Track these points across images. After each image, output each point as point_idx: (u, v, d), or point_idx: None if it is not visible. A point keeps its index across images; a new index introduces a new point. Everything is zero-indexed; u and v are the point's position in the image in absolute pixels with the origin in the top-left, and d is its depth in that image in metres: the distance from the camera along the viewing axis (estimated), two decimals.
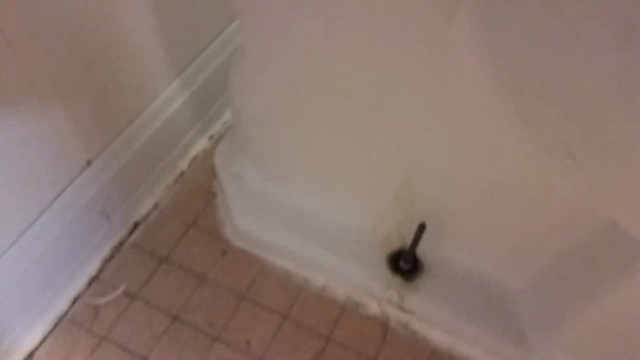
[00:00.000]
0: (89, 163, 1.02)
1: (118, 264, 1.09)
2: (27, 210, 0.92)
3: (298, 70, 0.88)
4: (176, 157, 1.22)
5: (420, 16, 0.70)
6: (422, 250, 1.01)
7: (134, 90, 1.06)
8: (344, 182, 1.02)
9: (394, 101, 0.84)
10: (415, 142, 0.88)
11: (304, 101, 0.92)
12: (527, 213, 0.86)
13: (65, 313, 1.03)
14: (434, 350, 0.99)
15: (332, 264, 1.04)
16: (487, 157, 0.83)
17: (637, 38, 0.52)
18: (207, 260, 1.09)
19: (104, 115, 1.02)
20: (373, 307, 1.03)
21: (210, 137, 1.29)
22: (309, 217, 1.09)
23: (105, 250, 1.11)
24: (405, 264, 1.01)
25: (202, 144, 1.28)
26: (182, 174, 1.22)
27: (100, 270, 1.08)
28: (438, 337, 1.00)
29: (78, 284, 1.06)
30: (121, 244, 1.12)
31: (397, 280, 1.01)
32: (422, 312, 1.00)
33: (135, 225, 1.14)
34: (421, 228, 0.92)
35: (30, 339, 0.98)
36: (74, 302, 1.04)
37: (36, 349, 0.98)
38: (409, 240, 0.98)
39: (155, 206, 1.17)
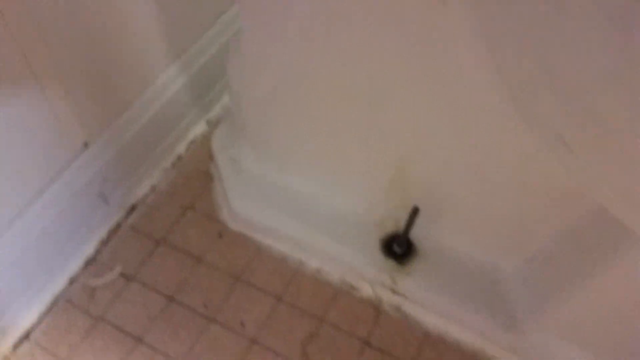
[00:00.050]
0: (86, 145, 1.02)
1: (115, 246, 1.10)
2: (25, 191, 0.93)
3: (296, 55, 0.88)
4: (174, 140, 1.22)
5: None
6: (416, 234, 1.02)
7: (132, 73, 1.07)
8: (340, 166, 1.02)
9: (391, 87, 0.84)
10: (411, 127, 0.88)
11: (302, 86, 0.92)
12: (519, 198, 0.87)
13: (62, 293, 1.04)
14: (425, 333, 1.00)
15: (327, 247, 1.05)
16: (482, 142, 0.83)
17: (631, 26, 0.52)
18: (204, 242, 1.10)
19: (102, 97, 1.02)
20: (366, 290, 1.04)
21: (209, 121, 1.29)
22: (304, 201, 1.09)
23: (103, 232, 1.12)
24: (399, 247, 1.01)
25: (200, 128, 1.28)
26: (179, 157, 1.23)
27: (98, 251, 1.09)
28: (430, 320, 1.01)
29: (75, 265, 1.07)
30: (118, 226, 1.13)
31: (390, 263, 1.01)
32: (415, 295, 1.00)
33: (133, 208, 1.15)
34: (414, 212, 0.93)
35: (27, 319, 1.00)
36: (71, 282, 1.05)
37: (33, 328, 0.99)
38: (403, 225, 0.98)
39: (153, 189, 1.17)
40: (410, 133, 0.89)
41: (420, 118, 0.86)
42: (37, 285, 1.01)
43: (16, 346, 0.97)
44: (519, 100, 0.70)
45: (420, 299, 1.00)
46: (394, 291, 1.02)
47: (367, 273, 1.03)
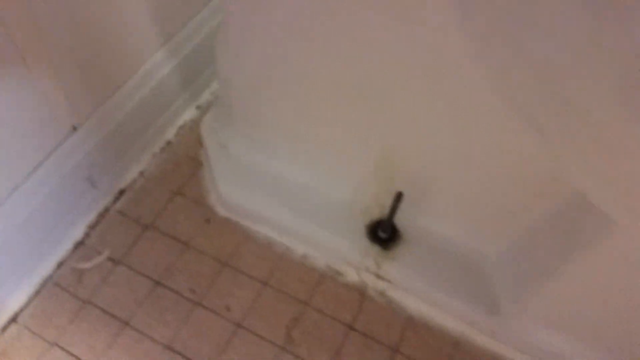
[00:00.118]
0: (74, 129, 1.03)
1: (103, 230, 1.11)
2: (13, 174, 0.94)
3: (282, 41, 0.88)
4: (163, 125, 1.23)
5: None
6: (401, 220, 1.02)
7: (120, 57, 1.07)
8: (327, 152, 1.03)
9: (377, 74, 0.84)
10: (396, 115, 0.89)
11: (288, 73, 0.93)
12: (502, 185, 0.87)
13: (50, 277, 1.05)
14: (409, 317, 1.01)
15: (313, 233, 1.06)
16: (465, 129, 0.84)
17: (601, 11, 0.52)
18: (191, 227, 1.11)
19: (90, 81, 1.02)
20: (351, 275, 1.05)
21: (198, 107, 1.30)
22: (292, 187, 1.10)
23: (91, 216, 1.12)
24: (384, 233, 1.02)
25: (189, 113, 1.28)
26: (168, 142, 1.23)
27: (86, 235, 1.10)
28: (414, 304, 1.02)
29: (63, 248, 1.08)
30: (107, 210, 1.13)
31: (375, 249, 1.02)
32: (399, 280, 1.01)
33: (121, 192, 1.16)
34: (398, 197, 0.93)
35: (15, 302, 1.01)
36: (59, 266, 1.06)
37: (21, 311, 1.00)
38: (388, 210, 0.99)
39: (141, 174, 1.18)
40: (395, 120, 0.90)
41: (406, 105, 0.86)
42: (25, 268, 1.02)
43: (4, 329, 0.98)
44: (498, 87, 0.70)
45: (404, 284, 1.01)
46: (378, 276, 1.03)
47: (352, 258, 1.04)
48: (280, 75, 0.94)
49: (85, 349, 0.97)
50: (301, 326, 1.00)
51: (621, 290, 0.78)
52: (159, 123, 1.21)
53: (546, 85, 0.59)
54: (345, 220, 1.06)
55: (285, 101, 0.98)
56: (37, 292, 1.03)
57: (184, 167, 1.19)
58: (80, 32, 0.95)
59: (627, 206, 0.63)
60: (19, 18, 0.82)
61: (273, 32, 0.88)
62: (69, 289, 1.03)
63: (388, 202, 0.99)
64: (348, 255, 1.04)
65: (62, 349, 0.96)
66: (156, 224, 1.11)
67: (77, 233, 1.10)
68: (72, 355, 0.96)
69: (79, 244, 1.09)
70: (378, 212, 1.05)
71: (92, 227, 1.11)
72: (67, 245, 1.09)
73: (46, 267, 1.05)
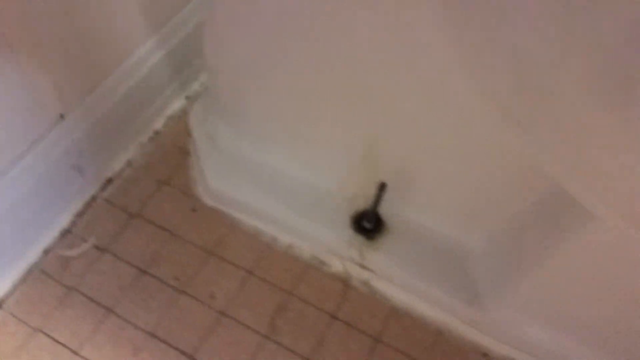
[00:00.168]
0: (62, 117, 1.03)
1: (90, 218, 1.11)
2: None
3: (269, 31, 0.88)
4: (151, 115, 1.23)
5: None
6: (386, 211, 1.03)
7: (108, 45, 1.07)
8: (312, 143, 1.04)
9: (362, 66, 0.85)
10: (381, 105, 0.89)
11: (274, 63, 0.93)
12: (483, 176, 0.88)
13: (37, 264, 1.05)
14: (392, 307, 1.02)
15: (299, 223, 1.07)
16: (446, 120, 0.84)
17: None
18: (178, 217, 1.11)
19: (78, 69, 1.03)
20: (336, 266, 1.06)
21: (188, 97, 1.30)
22: (279, 178, 1.11)
23: (78, 204, 1.13)
24: (368, 223, 1.03)
25: (178, 104, 1.29)
26: (157, 132, 1.24)
27: (73, 223, 1.11)
28: (397, 295, 1.02)
29: (50, 236, 1.09)
30: (94, 198, 1.14)
31: (359, 239, 1.03)
32: (383, 270, 1.02)
33: (109, 181, 1.16)
34: (382, 187, 0.94)
35: (1, 288, 1.01)
36: (45, 253, 1.07)
37: (6, 298, 1.01)
38: (372, 201, 1.00)
39: (129, 163, 1.18)
40: (379, 111, 0.90)
41: (389, 96, 0.87)
42: (11, 255, 1.03)
43: None
44: (476, 77, 0.70)
45: (388, 274, 1.02)
46: (362, 266, 1.04)
47: (337, 249, 1.05)
48: (266, 66, 0.94)
49: (70, 336, 0.97)
50: (285, 315, 1.01)
51: (599, 281, 0.79)
52: (147, 113, 1.21)
53: (518, 73, 0.59)
54: (331, 210, 1.07)
55: (271, 92, 0.99)
56: (23, 279, 1.03)
57: (172, 157, 1.20)
58: (68, 20, 0.95)
59: (601, 197, 0.64)
60: (5, 5, 0.82)
61: (260, 23, 0.88)
62: (55, 276, 1.04)
63: (373, 192, 1.00)
64: (333, 246, 1.05)
65: (47, 335, 0.97)
66: (143, 213, 1.11)
67: (64, 221, 1.11)
68: (56, 341, 0.97)
69: (66, 232, 1.09)
70: (363, 202, 1.06)
71: (79, 215, 1.12)
72: (53, 232, 1.09)
73: (32, 255, 1.06)
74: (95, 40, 1.03)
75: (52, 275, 1.04)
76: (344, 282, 1.05)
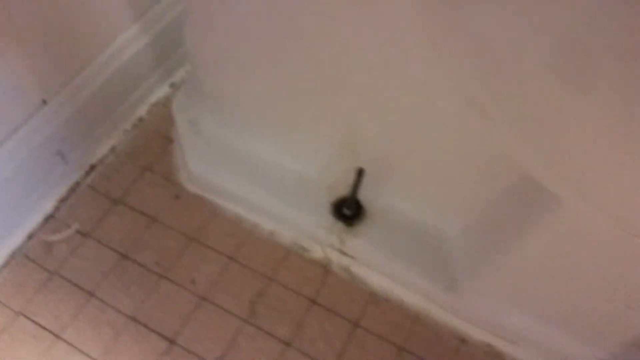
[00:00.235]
0: (44, 102, 1.04)
1: (73, 204, 1.12)
2: None
3: (249, 19, 0.88)
4: (135, 102, 1.24)
5: None
6: (366, 197, 1.04)
7: (91, 31, 1.07)
8: (293, 130, 1.04)
9: (340, 53, 0.85)
10: (359, 93, 0.90)
11: (255, 51, 0.93)
12: (459, 163, 0.89)
13: (20, 248, 1.06)
14: (371, 292, 1.03)
15: (280, 210, 1.08)
16: (421, 108, 0.85)
17: None
18: (160, 203, 1.12)
19: (60, 56, 1.03)
20: (317, 251, 1.07)
21: (172, 85, 1.31)
22: (260, 165, 1.11)
23: (62, 190, 1.14)
24: (348, 210, 1.04)
25: (163, 91, 1.29)
26: (140, 119, 1.24)
27: (56, 209, 1.11)
28: (376, 280, 1.03)
29: (34, 221, 1.09)
30: (77, 185, 1.14)
31: (339, 226, 1.04)
32: (362, 256, 1.03)
33: (92, 168, 1.17)
34: (359, 173, 0.95)
35: None
36: (29, 238, 1.08)
37: None
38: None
39: (112, 150, 1.19)
40: (358, 99, 0.91)
41: (367, 85, 0.87)
42: None
43: None
44: (444, 65, 0.71)
45: (367, 260, 1.03)
46: (342, 252, 1.05)
47: (317, 235, 1.06)
48: (247, 55, 0.95)
49: (51, 319, 0.98)
50: (265, 300, 1.02)
51: (569, 266, 0.80)
52: (131, 100, 1.22)
53: (484, 59, 0.60)
54: (312, 197, 1.08)
55: (252, 82, 0.99)
56: (6, 263, 1.04)
57: (155, 143, 1.20)
58: (48, 6, 0.95)
59: (567, 180, 0.65)
60: None
61: (241, 13, 0.88)
62: (38, 260, 1.05)
63: (353, 180, 1.01)
64: (313, 232, 1.06)
65: (28, 318, 0.98)
66: (125, 199, 1.12)
67: (48, 206, 1.11)
68: (38, 324, 0.98)
69: (49, 217, 1.10)
70: (344, 190, 1.07)
71: (63, 200, 1.12)
72: (37, 218, 1.10)
73: (16, 239, 1.07)
74: (77, 26, 1.03)
75: (35, 259, 1.05)
76: (324, 267, 1.06)
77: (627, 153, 0.57)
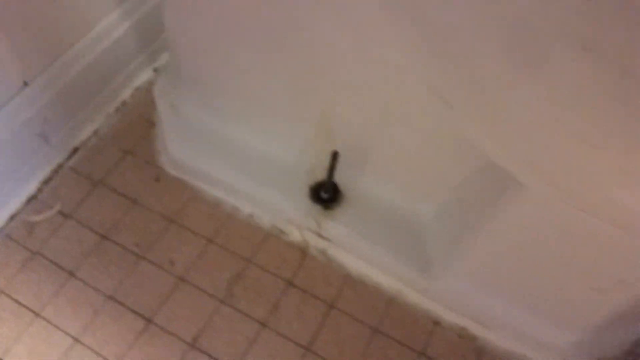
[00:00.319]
0: (25, 84, 1.05)
1: (56, 186, 1.13)
2: None
3: (230, 8, 0.89)
4: (119, 86, 1.25)
5: None
6: (343, 181, 1.05)
7: (73, 14, 1.08)
8: (272, 115, 1.05)
9: (315, 39, 0.86)
10: (332, 78, 0.91)
11: (232, 35, 0.94)
12: (429, 148, 0.90)
13: (2, 229, 1.07)
14: (347, 275, 1.04)
15: (260, 193, 1.09)
16: (393, 93, 0.86)
17: None
18: (141, 185, 1.14)
19: (42, 37, 1.04)
20: (295, 235, 1.08)
21: (156, 69, 1.31)
22: (240, 148, 1.12)
23: (45, 172, 1.15)
24: (325, 194, 1.05)
25: (146, 75, 1.30)
26: (124, 103, 1.25)
27: (39, 190, 1.13)
28: (352, 263, 1.05)
29: (16, 202, 1.11)
30: (60, 167, 1.16)
31: (316, 209, 1.05)
32: (339, 239, 1.05)
33: (75, 150, 1.18)
34: (334, 156, 0.96)
35: None
36: (11, 219, 1.09)
37: None
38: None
39: (95, 132, 1.20)
40: (332, 84, 0.92)
41: (341, 69, 0.88)
42: None
43: None
44: (406, 54, 0.72)
45: (344, 243, 1.04)
46: (319, 235, 1.06)
47: (295, 218, 1.07)
48: (225, 38, 0.95)
49: (32, 298, 1.00)
50: (242, 282, 1.03)
51: (535, 248, 0.82)
52: (114, 83, 1.23)
53: (442, 47, 0.61)
54: (291, 181, 1.09)
55: (231, 67, 1.01)
56: None
57: (138, 127, 1.22)
58: None
59: (524, 164, 0.66)
60: None
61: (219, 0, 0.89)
62: (20, 240, 1.06)
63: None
64: (292, 215, 1.07)
65: (9, 297, 1.00)
66: (106, 181, 1.13)
67: (31, 188, 1.13)
68: (19, 303, 0.99)
69: (32, 198, 1.11)
70: (322, 174, 1.08)
71: (46, 182, 1.14)
72: (20, 199, 1.11)
73: None
74: (58, 9, 1.04)
75: (17, 239, 1.06)
76: (302, 250, 1.07)
77: (575, 134, 0.58)
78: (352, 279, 1.04)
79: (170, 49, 1.11)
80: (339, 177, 1.03)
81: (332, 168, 0.98)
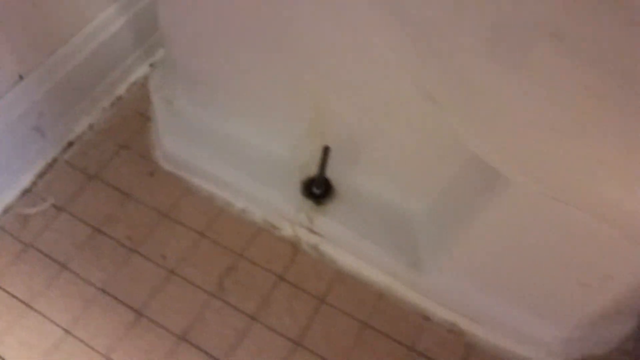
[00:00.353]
0: (21, 78, 1.05)
1: (51, 179, 1.14)
2: None
3: (224, 3, 0.90)
4: (114, 81, 1.25)
5: None
6: (335, 176, 1.06)
7: (69, 8, 1.09)
8: (265, 110, 1.06)
9: (308, 35, 0.87)
10: (325, 73, 0.91)
11: (226, 30, 0.95)
12: (420, 143, 0.91)
13: None
14: (338, 270, 1.05)
15: (252, 188, 1.09)
16: (384, 88, 0.86)
17: None
18: (135, 180, 1.14)
19: (38, 31, 1.04)
20: (286, 230, 1.08)
21: (152, 64, 1.32)
22: (233, 144, 1.13)
23: (40, 166, 1.15)
24: (317, 189, 1.05)
25: (142, 70, 1.31)
26: (119, 97, 1.26)
27: (34, 183, 1.13)
28: (344, 258, 1.05)
29: (11, 195, 1.11)
30: (55, 160, 1.16)
31: (308, 204, 1.05)
32: (330, 234, 1.05)
33: (70, 144, 1.18)
34: (325, 151, 0.96)
35: None
36: (5, 211, 1.09)
37: None
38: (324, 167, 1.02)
39: (90, 127, 1.21)
40: (325, 79, 0.92)
41: (335, 65, 0.89)
42: None
43: None
44: (394, 51, 0.72)
45: (335, 238, 1.05)
46: (311, 231, 1.07)
47: (287, 213, 1.08)
48: (219, 33, 0.96)
49: (24, 290, 1.01)
50: (234, 276, 1.04)
51: (523, 243, 0.82)
52: (110, 78, 1.23)
53: (425, 44, 0.61)
54: (283, 176, 1.09)
55: (225, 62, 1.01)
56: None
57: (133, 122, 1.22)
58: None
59: (510, 160, 0.67)
60: None
61: None
62: (13, 233, 1.07)
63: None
64: (284, 210, 1.08)
65: (1, 288, 1.00)
66: (100, 175, 1.14)
67: (25, 181, 1.13)
68: (11, 294, 1.00)
69: (26, 191, 1.12)
70: (314, 169, 1.08)
71: (40, 175, 1.14)
72: (15, 192, 1.12)
73: None
74: (56, 2, 1.05)
75: (10, 232, 1.07)
76: (294, 245, 1.07)
77: (556, 128, 0.58)
78: (343, 274, 1.05)
79: (165, 45, 1.12)
80: (331, 173, 1.04)
81: (323, 163, 0.99)
